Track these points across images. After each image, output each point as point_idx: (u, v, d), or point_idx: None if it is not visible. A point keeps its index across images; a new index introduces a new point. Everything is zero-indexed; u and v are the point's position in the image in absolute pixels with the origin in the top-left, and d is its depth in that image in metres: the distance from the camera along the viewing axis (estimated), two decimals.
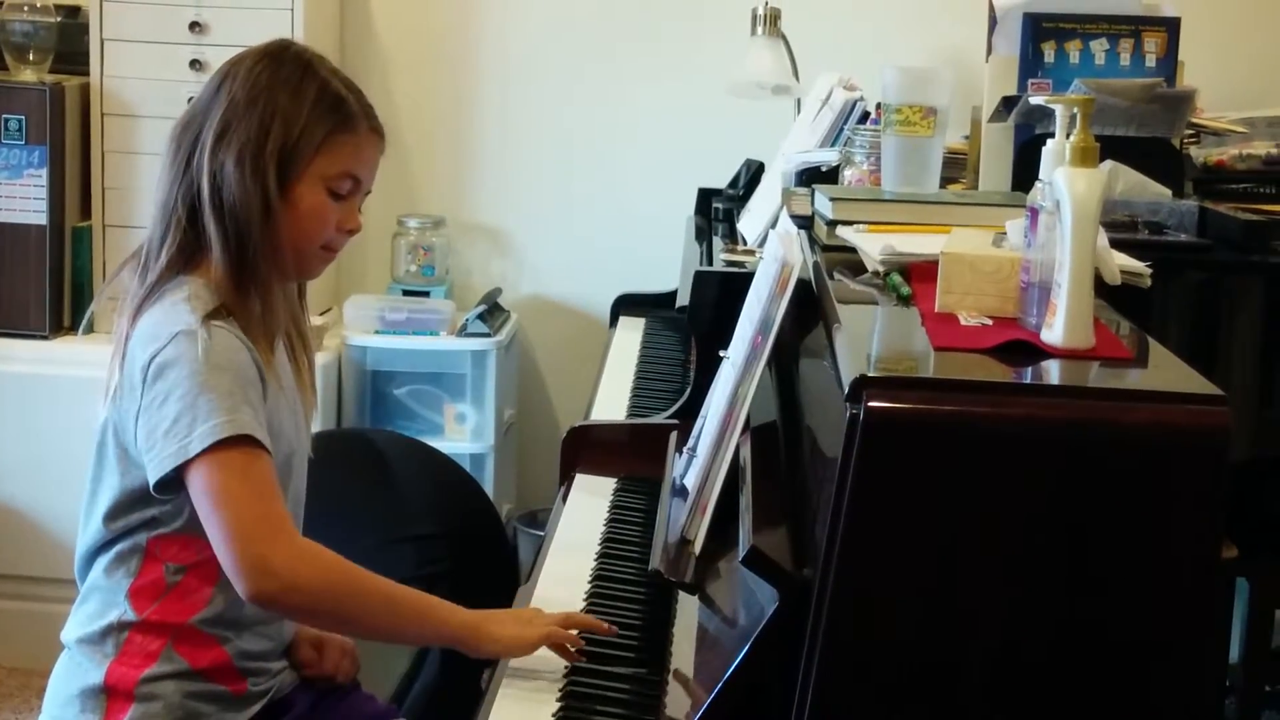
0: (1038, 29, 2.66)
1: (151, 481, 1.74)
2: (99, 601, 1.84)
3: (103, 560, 1.83)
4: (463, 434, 3.77)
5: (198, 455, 1.69)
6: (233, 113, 1.80)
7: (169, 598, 1.81)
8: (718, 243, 3.22)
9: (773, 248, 1.91)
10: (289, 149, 1.80)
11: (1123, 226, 2.40)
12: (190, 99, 1.90)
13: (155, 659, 1.80)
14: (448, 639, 1.83)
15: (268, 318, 1.81)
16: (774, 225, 2.82)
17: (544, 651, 1.81)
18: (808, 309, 1.87)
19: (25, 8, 3.62)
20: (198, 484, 1.71)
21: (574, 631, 1.82)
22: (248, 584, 1.70)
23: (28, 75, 3.63)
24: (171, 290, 1.80)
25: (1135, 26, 2.66)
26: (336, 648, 2.01)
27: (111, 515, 1.81)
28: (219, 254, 1.80)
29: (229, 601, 1.80)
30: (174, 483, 1.73)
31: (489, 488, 3.66)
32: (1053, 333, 1.51)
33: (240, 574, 1.70)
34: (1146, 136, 2.58)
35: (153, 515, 1.79)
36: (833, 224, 2.08)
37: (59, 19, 3.69)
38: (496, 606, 1.87)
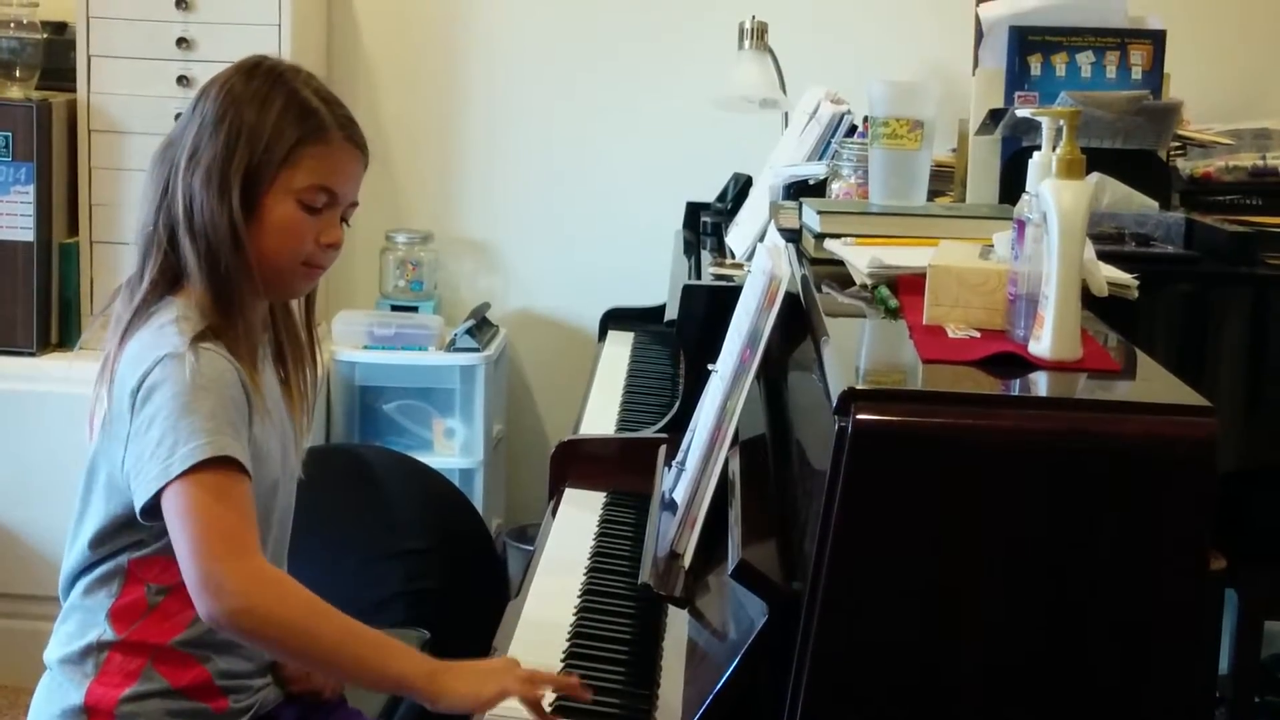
0: (1024, 42, 2.67)
1: (138, 506, 1.72)
2: (79, 622, 1.83)
3: (84, 581, 1.82)
4: (452, 449, 3.76)
5: (177, 477, 1.68)
6: (202, 132, 1.79)
7: (150, 618, 1.80)
8: (706, 256, 3.22)
9: (761, 261, 1.91)
10: (255, 163, 1.78)
11: (1109, 238, 2.41)
12: (177, 116, 1.90)
13: (135, 678, 1.79)
14: (404, 686, 1.72)
15: (249, 339, 1.80)
16: (762, 238, 2.82)
17: (536, 667, 1.80)
18: (796, 322, 1.87)
19: (11, 24, 3.62)
20: (171, 504, 1.69)
21: (544, 691, 1.71)
22: (202, 603, 1.68)
23: (14, 92, 3.63)
24: (159, 312, 1.79)
25: (1121, 39, 2.67)
26: None
27: (97, 541, 1.80)
28: (196, 275, 1.79)
29: None
30: (157, 508, 1.71)
31: (478, 503, 3.66)
32: (1040, 345, 1.52)
33: (196, 593, 1.68)
34: (1133, 149, 2.59)
35: (139, 539, 1.79)
36: (820, 237, 2.09)
37: (45, 35, 3.68)
38: (485, 620, 1.86)
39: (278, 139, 1.79)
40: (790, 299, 1.84)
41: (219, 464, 1.69)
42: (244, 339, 1.79)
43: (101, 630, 1.81)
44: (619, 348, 3.40)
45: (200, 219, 1.78)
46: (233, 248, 1.78)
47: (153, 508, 1.71)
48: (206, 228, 1.78)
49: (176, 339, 1.74)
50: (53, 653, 1.85)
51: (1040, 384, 1.49)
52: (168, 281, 1.81)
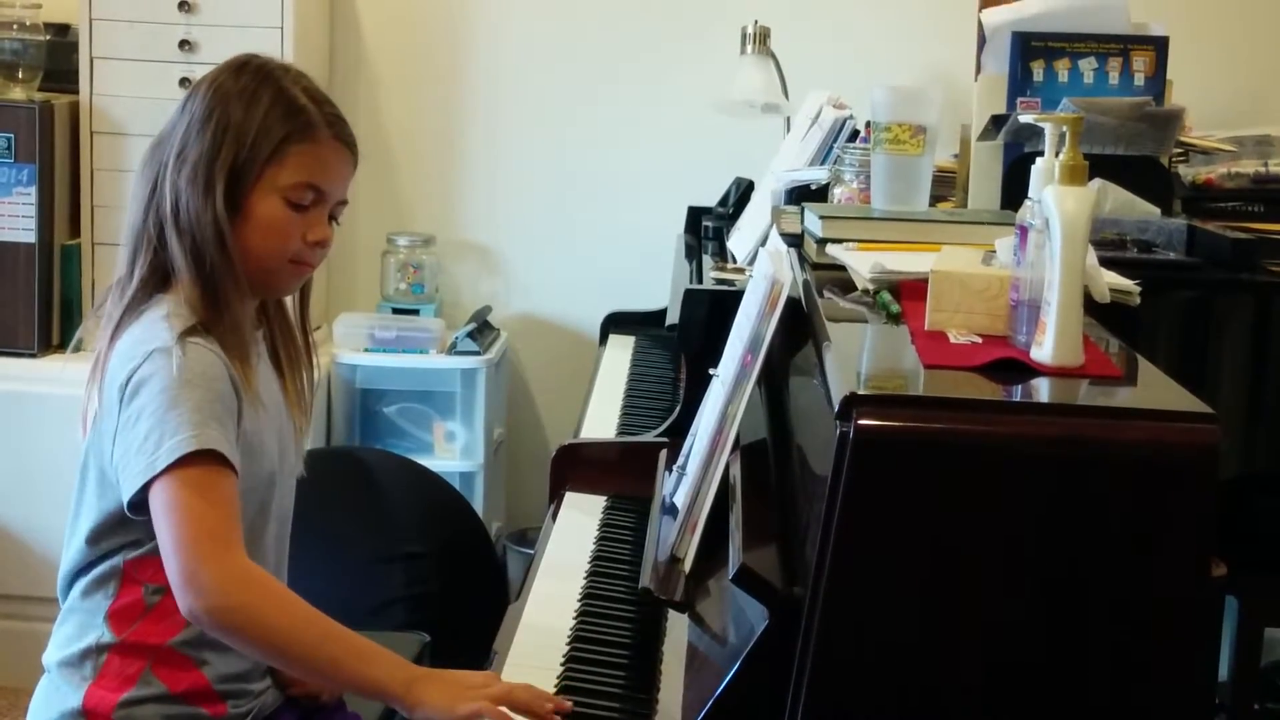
0: (1026, 48, 2.67)
1: (125, 500, 1.72)
2: (77, 624, 1.83)
3: (82, 582, 1.82)
4: (452, 452, 3.76)
5: (162, 471, 1.68)
6: (190, 130, 1.80)
7: (148, 619, 1.80)
8: (707, 261, 3.22)
9: (762, 266, 1.91)
10: (240, 161, 1.78)
11: (1112, 245, 2.41)
12: None
13: (134, 682, 1.79)
14: (381, 693, 1.70)
15: (238, 335, 1.80)
16: (764, 243, 2.82)
17: (531, 673, 1.80)
18: (798, 327, 1.87)
19: (14, 25, 3.62)
20: (157, 499, 1.69)
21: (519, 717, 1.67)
22: (183, 599, 1.68)
23: (17, 93, 3.63)
24: (149, 310, 1.79)
25: (1124, 45, 2.67)
26: None
27: (93, 539, 1.80)
28: (184, 272, 1.79)
29: None
30: (145, 503, 1.72)
31: (478, 506, 3.66)
32: (1042, 351, 1.51)
33: (178, 589, 1.68)
34: (1135, 155, 2.58)
35: (134, 538, 1.78)
36: (822, 242, 2.09)
37: (48, 37, 3.69)
38: (485, 624, 1.86)
39: (264, 136, 1.79)
40: (792, 304, 1.84)
41: (204, 458, 1.69)
42: (232, 335, 1.79)
43: (100, 633, 1.81)
44: (620, 351, 3.40)
45: (186, 216, 1.79)
46: (218, 245, 1.78)
47: (140, 502, 1.72)
48: (192, 225, 1.78)
49: (166, 333, 1.74)
50: (51, 655, 1.85)
51: (1042, 390, 1.49)
52: (158, 279, 1.82)
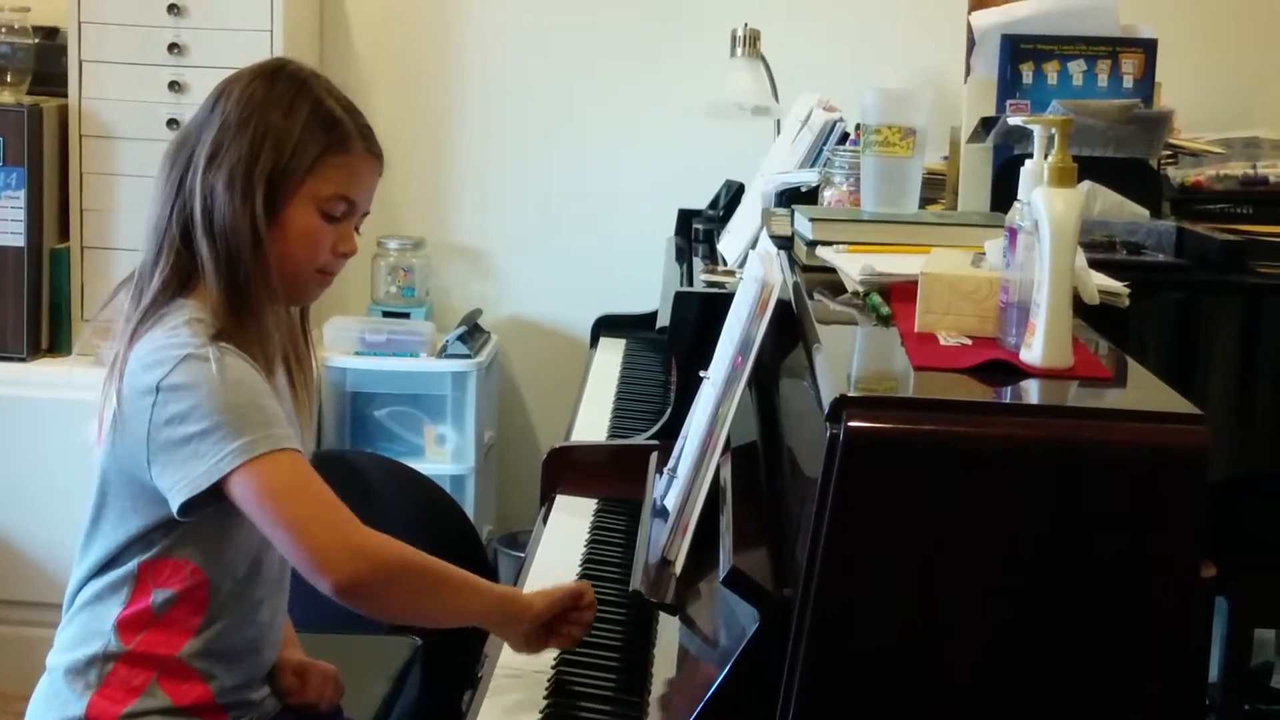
0: (1016, 50, 2.67)
1: (179, 501, 1.69)
2: (85, 628, 1.80)
3: (94, 586, 1.80)
4: (443, 455, 3.76)
5: (242, 465, 1.66)
6: (225, 133, 1.78)
7: (154, 628, 1.78)
8: (698, 263, 3.23)
9: (753, 268, 1.91)
10: (279, 169, 1.77)
11: (1101, 246, 2.41)
12: (170, 120, 1.89)
13: (139, 693, 1.78)
14: (495, 610, 1.83)
15: (264, 343, 1.79)
16: (754, 246, 2.83)
17: (527, 674, 1.80)
18: (788, 329, 1.87)
19: (3, 29, 3.61)
20: (252, 489, 1.67)
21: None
22: (336, 567, 1.66)
23: (5, 97, 3.62)
24: (170, 314, 1.76)
25: (1112, 48, 2.67)
26: (320, 675, 1.99)
27: (118, 544, 1.78)
28: (212, 277, 1.77)
29: (219, 632, 1.79)
30: (193, 506, 1.70)
31: (469, 509, 3.66)
32: (1031, 352, 1.52)
33: (327, 559, 1.66)
34: (1124, 157, 2.59)
35: (150, 539, 1.76)
36: (812, 244, 2.09)
37: (37, 40, 3.68)
38: (476, 627, 1.86)
39: (303, 147, 1.78)
40: (782, 306, 1.84)
41: (284, 451, 1.70)
42: (258, 343, 1.78)
43: (107, 640, 1.79)
44: (611, 354, 3.40)
45: (221, 220, 1.77)
46: (253, 251, 1.77)
47: (189, 506, 1.69)
48: (227, 230, 1.76)
49: (192, 339, 1.72)
50: (55, 657, 1.83)
51: (1031, 392, 1.50)
52: (179, 281, 1.79)
